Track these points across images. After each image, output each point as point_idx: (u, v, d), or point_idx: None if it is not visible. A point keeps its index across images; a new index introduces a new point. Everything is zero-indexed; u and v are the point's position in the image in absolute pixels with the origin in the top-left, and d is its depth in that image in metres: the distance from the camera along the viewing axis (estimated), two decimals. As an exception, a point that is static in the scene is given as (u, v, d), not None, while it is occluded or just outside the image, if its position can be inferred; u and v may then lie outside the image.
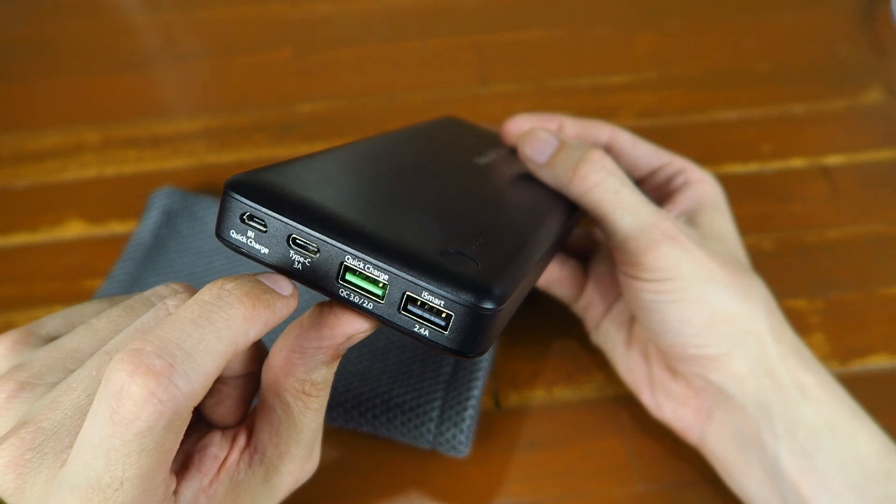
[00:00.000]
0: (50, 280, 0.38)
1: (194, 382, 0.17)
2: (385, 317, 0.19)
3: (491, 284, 0.18)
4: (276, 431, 0.22)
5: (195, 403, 0.17)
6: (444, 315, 0.18)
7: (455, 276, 0.18)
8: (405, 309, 0.19)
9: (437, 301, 0.18)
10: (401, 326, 0.19)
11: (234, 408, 0.23)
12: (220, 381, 0.23)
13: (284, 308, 0.19)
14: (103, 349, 0.20)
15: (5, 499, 0.18)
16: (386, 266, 0.18)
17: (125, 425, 0.16)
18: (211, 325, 0.17)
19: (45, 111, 0.47)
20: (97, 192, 0.42)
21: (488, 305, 0.18)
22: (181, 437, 0.18)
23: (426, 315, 0.19)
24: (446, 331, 0.18)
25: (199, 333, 0.17)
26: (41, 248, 0.39)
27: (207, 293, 0.18)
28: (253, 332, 0.18)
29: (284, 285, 0.19)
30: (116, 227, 0.40)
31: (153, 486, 0.18)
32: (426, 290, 0.18)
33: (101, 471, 0.17)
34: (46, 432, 0.18)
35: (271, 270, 0.20)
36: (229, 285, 0.18)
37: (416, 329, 0.19)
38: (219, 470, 0.22)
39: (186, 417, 0.17)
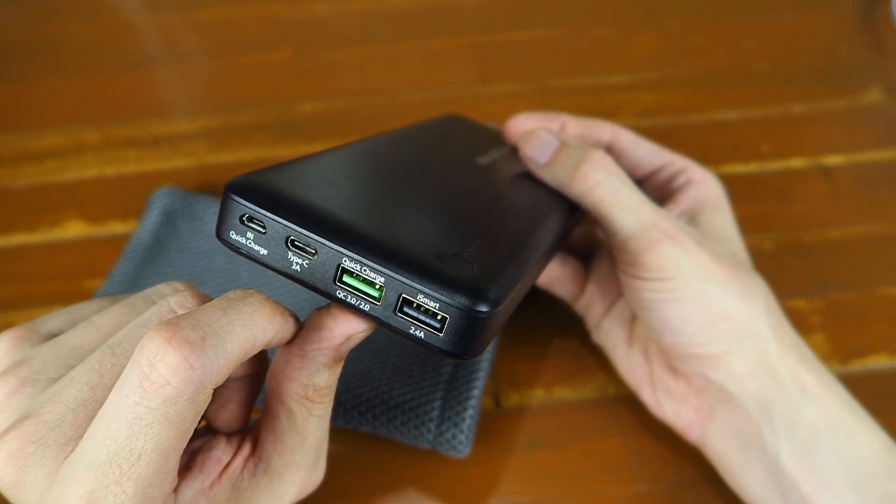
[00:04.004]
0: (50, 280, 0.38)
1: (221, 359, 0.18)
2: (381, 318, 0.19)
3: (486, 288, 0.18)
4: (280, 440, 0.22)
5: (219, 382, 0.18)
6: (439, 317, 0.18)
7: (450, 279, 0.18)
8: (401, 311, 0.19)
9: (432, 303, 0.18)
10: (396, 328, 0.19)
11: (236, 411, 0.23)
12: (222, 384, 0.23)
13: (291, 326, 0.21)
14: (106, 344, 0.20)
15: (5, 492, 0.18)
16: (382, 269, 0.18)
17: (155, 390, 0.17)
18: (237, 314, 0.19)
19: (45, 111, 0.47)
20: (97, 192, 0.42)
21: (483, 308, 0.18)
22: (198, 421, 0.18)
23: (421, 317, 0.19)
24: (441, 333, 0.18)
25: (227, 318, 0.18)
26: (41, 248, 0.39)
27: (233, 293, 0.20)
28: (268, 334, 0.19)
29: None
30: (116, 227, 0.40)
31: (166, 469, 0.18)
32: (421, 292, 0.18)
33: (121, 442, 0.17)
34: (49, 425, 0.18)
35: (269, 269, 0.20)
36: (250, 290, 0.20)
37: (411, 331, 0.19)
38: (221, 474, 0.22)
39: (208, 397, 0.18)
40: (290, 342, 0.21)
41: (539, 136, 0.29)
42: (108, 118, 0.46)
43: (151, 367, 0.17)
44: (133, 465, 0.17)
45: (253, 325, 0.19)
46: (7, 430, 0.18)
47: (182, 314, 0.18)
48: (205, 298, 0.21)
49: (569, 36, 0.51)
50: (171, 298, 0.21)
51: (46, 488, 0.18)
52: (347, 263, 0.19)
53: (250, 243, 0.20)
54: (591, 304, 0.33)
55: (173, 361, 0.17)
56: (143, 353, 0.17)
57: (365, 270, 0.19)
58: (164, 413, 0.17)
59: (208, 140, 0.45)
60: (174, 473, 0.19)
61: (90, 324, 0.21)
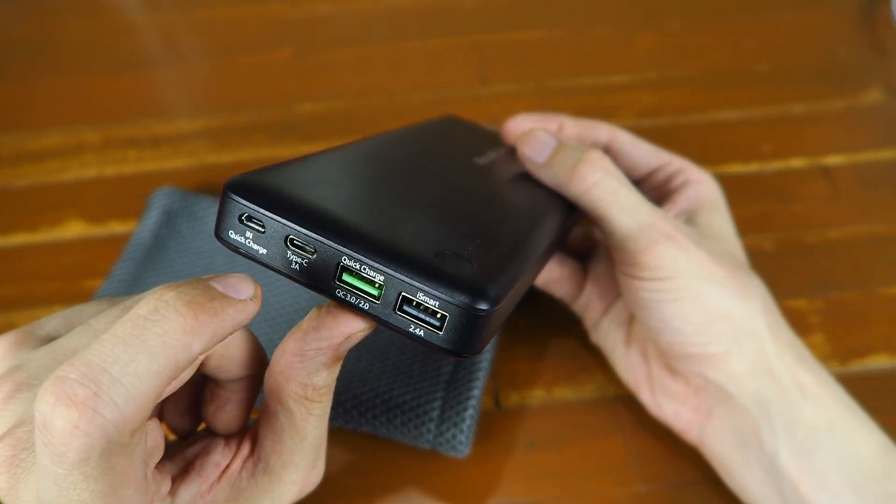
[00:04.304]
0: (50, 280, 0.38)
1: (124, 409, 0.16)
2: (381, 317, 0.19)
3: (485, 286, 0.18)
4: (279, 439, 0.22)
5: (133, 427, 0.16)
6: (438, 315, 0.18)
7: (450, 277, 0.18)
8: (401, 309, 0.19)
9: (431, 302, 0.18)
10: (396, 326, 0.19)
11: (235, 413, 0.23)
12: (218, 385, 0.23)
13: (239, 314, 0.18)
14: None
15: (2, 497, 0.18)
16: (382, 267, 0.18)
17: (59, 457, 0.15)
18: (142, 344, 0.16)
19: (45, 111, 0.47)
20: (97, 192, 0.42)
21: (482, 306, 0.18)
22: (140, 455, 0.17)
23: (421, 315, 0.19)
24: (441, 331, 0.18)
25: (128, 355, 0.16)
26: (41, 248, 0.39)
27: (144, 306, 0.17)
28: (197, 346, 0.17)
29: (242, 287, 0.18)
30: (116, 227, 0.40)
31: (125, 497, 0.17)
32: (421, 290, 0.18)
33: (56, 495, 0.16)
34: None
35: (269, 268, 0.20)
36: (168, 295, 0.17)
37: (411, 329, 0.19)
38: (220, 477, 0.22)
39: (131, 440, 0.16)
40: (288, 342, 0.21)
41: (537, 136, 0.29)
42: (108, 118, 0.46)
43: (47, 435, 0.15)
44: None
45: (168, 349, 0.16)
46: (1, 437, 0.18)
47: (75, 357, 0.16)
48: None
49: (569, 36, 0.51)
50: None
51: (37, 497, 0.18)
52: (347, 262, 0.19)
53: (249, 242, 0.20)
54: (590, 305, 0.33)
55: (62, 431, 0.15)
56: (37, 418, 0.15)
57: (364, 269, 0.19)
58: (83, 472, 0.16)
59: (208, 140, 0.45)
60: (141, 493, 0.18)
61: (87, 328, 0.21)
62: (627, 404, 0.32)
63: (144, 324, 0.16)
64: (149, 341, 0.16)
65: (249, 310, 0.18)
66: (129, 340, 0.16)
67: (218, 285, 0.18)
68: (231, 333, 0.18)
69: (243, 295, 0.18)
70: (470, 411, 0.30)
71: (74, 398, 0.15)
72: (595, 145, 0.33)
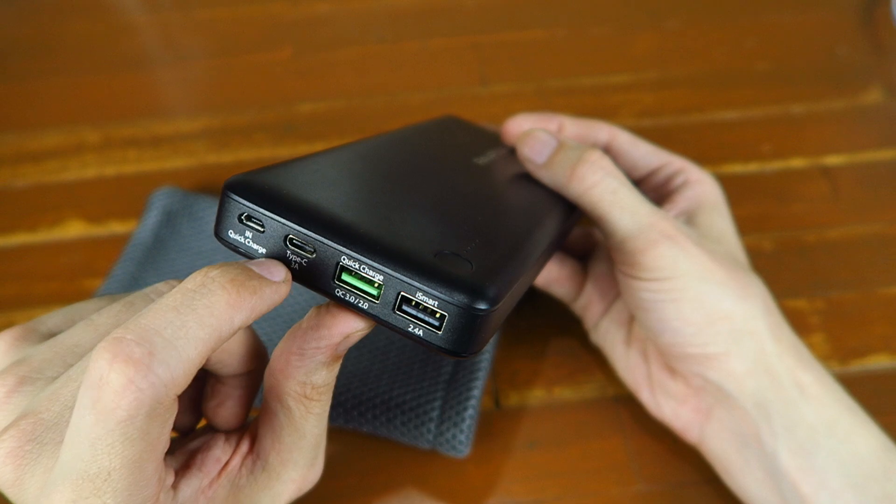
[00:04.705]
0: (50, 280, 0.38)
1: (174, 370, 0.17)
2: (380, 316, 0.19)
3: (485, 286, 0.18)
4: (278, 437, 0.22)
5: (178, 391, 0.17)
6: (438, 315, 0.18)
7: (449, 276, 0.18)
8: (400, 309, 0.19)
9: (431, 301, 0.18)
10: (395, 326, 0.19)
11: (235, 409, 0.23)
12: (219, 381, 0.23)
13: (274, 294, 0.19)
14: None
15: (4, 490, 0.18)
16: (381, 267, 0.18)
17: (106, 414, 0.16)
18: (192, 312, 0.17)
19: (45, 111, 0.47)
20: (97, 192, 0.42)
21: (482, 306, 0.18)
22: (169, 427, 0.18)
23: (420, 315, 0.19)
24: (440, 331, 0.18)
25: (180, 321, 0.17)
26: (41, 248, 0.39)
27: (191, 281, 0.18)
28: (238, 319, 0.18)
29: (276, 270, 0.19)
30: (116, 227, 0.40)
31: (143, 477, 0.18)
32: (420, 290, 0.18)
33: (87, 461, 0.17)
34: (46, 423, 0.18)
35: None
36: (214, 272, 0.18)
37: (410, 329, 0.19)
38: (220, 473, 0.22)
39: (170, 406, 0.17)
40: (288, 340, 0.21)
41: (537, 136, 0.29)
42: (108, 118, 0.46)
43: (99, 391, 0.16)
44: (105, 480, 0.17)
45: (214, 318, 0.18)
46: (6, 429, 0.18)
47: (129, 322, 0.17)
48: None
49: (569, 36, 0.51)
50: None
51: (41, 487, 0.18)
52: (346, 262, 0.19)
53: (249, 242, 0.20)
54: (590, 305, 0.33)
55: (118, 385, 0.16)
56: (91, 375, 0.16)
57: (364, 269, 0.19)
58: (123, 433, 0.16)
59: (208, 140, 0.45)
60: (157, 476, 0.18)
61: (89, 322, 0.21)
62: (627, 404, 0.32)
63: (193, 296, 0.18)
64: (198, 310, 0.17)
65: (282, 291, 0.19)
66: (180, 308, 0.17)
67: (255, 267, 0.19)
68: (267, 311, 0.19)
69: (277, 277, 0.19)
70: (470, 411, 0.30)
71: (132, 355, 0.16)
72: (595, 145, 0.33)
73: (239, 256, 0.21)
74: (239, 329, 0.18)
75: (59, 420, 0.18)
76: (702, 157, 0.35)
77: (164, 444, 0.18)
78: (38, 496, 0.18)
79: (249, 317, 0.18)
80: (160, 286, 0.22)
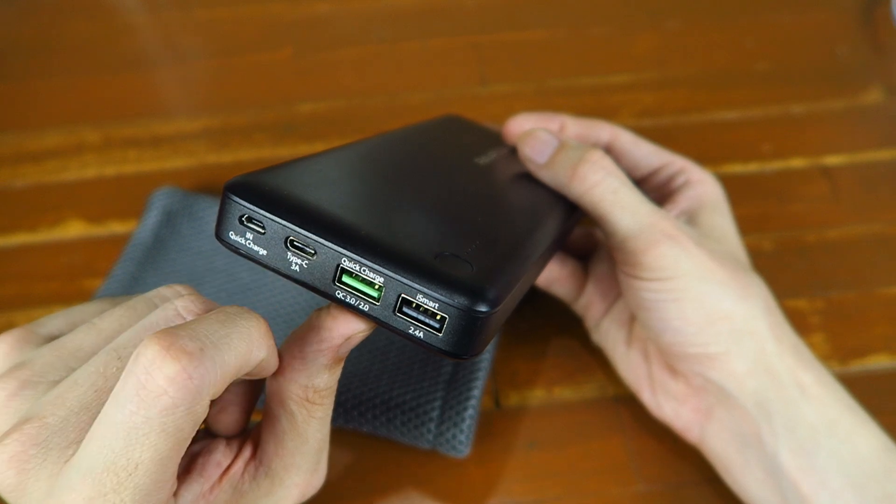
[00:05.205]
0: (50, 280, 0.38)
1: (219, 371, 0.17)
2: (380, 318, 0.19)
3: (485, 288, 0.18)
4: (281, 442, 0.22)
5: (215, 395, 0.18)
6: (438, 317, 0.18)
7: (449, 278, 0.18)
8: (400, 311, 0.19)
9: (431, 303, 0.18)
10: (396, 328, 0.19)
11: (236, 415, 0.23)
12: None
13: (276, 360, 0.21)
14: (110, 346, 0.20)
15: (5, 496, 0.18)
16: (381, 269, 0.18)
17: (152, 399, 0.17)
18: (235, 328, 0.18)
19: (45, 111, 0.47)
20: (97, 192, 0.42)
21: (482, 308, 0.18)
22: (194, 432, 0.18)
23: (421, 317, 0.19)
24: (440, 333, 0.18)
25: (225, 331, 0.18)
26: (41, 248, 0.39)
27: (231, 308, 0.19)
28: (261, 353, 0.19)
29: None
30: (116, 227, 0.40)
31: (164, 477, 0.18)
32: (420, 292, 0.18)
33: (118, 451, 0.17)
34: (52, 428, 0.18)
35: (269, 270, 0.20)
36: (248, 309, 0.20)
37: (410, 331, 0.19)
38: (221, 477, 0.22)
39: (205, 409, 0.18)
40: (289, 343, 0.21)
41: (538, 136, 0.29)
42: (108, 118, 0.46)
43: (148, 376, 0.17)
44: (130, 474, 0.17)
45: (249, 340, 0.19)
46: (8, 433, 0.18)
47: (179, 324, 0.18)
48: (209, 303, 0.21)
49: (569, 36, 0.51)
50: (178, 302, 0.21)
51: (47, 492, 0.18)
52: (347, 263, 0.19)
53: (249, 244, 0.20)
54: (591, 305, 0.33)
55: (171, 371, 0.17)
56: (140, 362, 0.17)
57: (364, 270, 0.19)
58: (161, 423, 0.17)
59: (208, 140, 0.45)
60: (173, 480, 0.18)
61: (91, 326, 0.21)
62: (628, 404, 0.32)
63: (235, 318, 0.19)
64: (239, 328, 0.19)
65: (277, 361, 0.21)
66: (225, 322, 0.18)
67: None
68: (268, 368, 0.20)
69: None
70: (470, 411, 0.30)
71: (185, 347, 0.17)
72: (596, 145, 0.33)
73: (239, 258, 0.21)
74: (254, 366, 0.19)
75: (64, 425, 0.18)
76: (702, 157, 0.35)
77: (186, 445, 0.18)
78: (44, 500, 0.18)
79: (265, 359, 0.20)
80: (163, 290, 0.22)
